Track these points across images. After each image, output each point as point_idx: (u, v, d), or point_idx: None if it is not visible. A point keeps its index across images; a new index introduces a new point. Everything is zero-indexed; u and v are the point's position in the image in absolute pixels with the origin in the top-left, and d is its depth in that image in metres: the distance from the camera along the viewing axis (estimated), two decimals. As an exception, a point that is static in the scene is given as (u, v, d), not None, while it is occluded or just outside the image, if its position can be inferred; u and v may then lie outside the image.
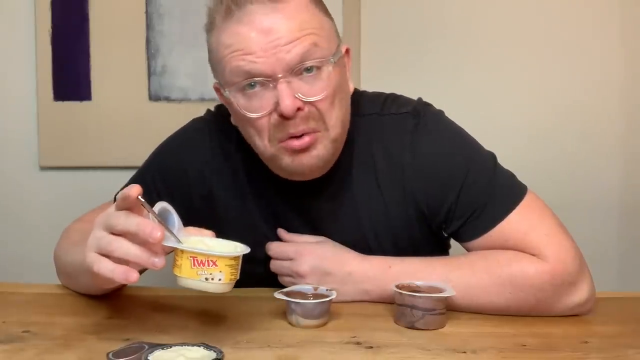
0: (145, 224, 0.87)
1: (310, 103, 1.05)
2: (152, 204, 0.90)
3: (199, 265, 0.88)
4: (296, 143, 1.06)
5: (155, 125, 1.81)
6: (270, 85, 1.03)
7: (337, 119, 1.08)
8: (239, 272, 0.92)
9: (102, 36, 1.87)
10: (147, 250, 0.87)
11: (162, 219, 0.90)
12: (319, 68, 1.05)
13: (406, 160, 1.15)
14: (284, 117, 1.04)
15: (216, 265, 0.88)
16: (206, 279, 0.89)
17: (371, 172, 1.17)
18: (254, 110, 1.06)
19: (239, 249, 0.93)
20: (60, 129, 1.89)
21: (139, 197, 0.87)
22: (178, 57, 1.87)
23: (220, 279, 0.89)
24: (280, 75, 1.02)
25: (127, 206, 0.89)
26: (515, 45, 1.87)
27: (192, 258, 0.88)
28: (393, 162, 1.16)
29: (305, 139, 1.06)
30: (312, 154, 1.08)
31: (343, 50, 1.13)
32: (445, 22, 1.87)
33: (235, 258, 0.90)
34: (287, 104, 1.02)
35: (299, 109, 1.04)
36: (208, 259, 0.88)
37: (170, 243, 0.89)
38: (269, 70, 1.03)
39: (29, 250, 1.91)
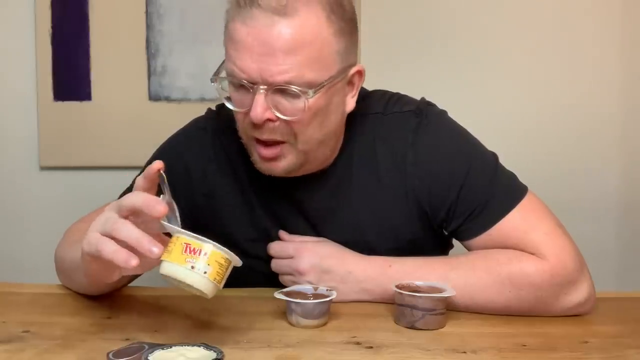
0: (151, 198, 0.88)
1: (282, 119, 1.05)
2: None
3: (190, 253, 0.88)
4: (263, 152, 1.08)
5: (155, 125, 1.80)
6: (251, 90, 1.04)
7: (310, 138, 1.08)
8: (224, 280, 0.90)
9: (102, 36, 1.87)
10: (148, 236, 0.87)
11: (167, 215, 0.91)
12: (297, 96, 1.03)
13: (408, 159, 1.15)
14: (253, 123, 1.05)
15: (206, 257, 0.88)
16: (192, 267, 0.87)
17: (373, 170, 1.17)
18: (235, 104, 1.08)
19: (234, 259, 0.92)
20: (60, 129, 1.89)
21: (161, 171, 0.91)
22: (178, 57, 1.87)
23: (205, 272, 0.88)
24: (260, 86, 1.02)
25: (147, 184, 0.93)
26: (515, 45, 1.87)
27: (185, 244, 0.88)
28: (395, 161, 1.16)
29: (272, 151, 1.08)
30: (278, 163, 1.09)
31: (352, 71, 1.10)
32: (445, 22, 1.87)
33: (226, 259, 0.89)
34: (257, 113, 1.02)
35: (270, 119, 1.04)
36: (201, 248, 0.88)
37: (170, 223, 0.90)
38: (250, 77, 1.03)
39: (28, 250, 1.91)
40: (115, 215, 0.90)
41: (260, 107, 1.02)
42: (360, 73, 1.13)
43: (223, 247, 0.89)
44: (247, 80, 1.03)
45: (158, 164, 0.92)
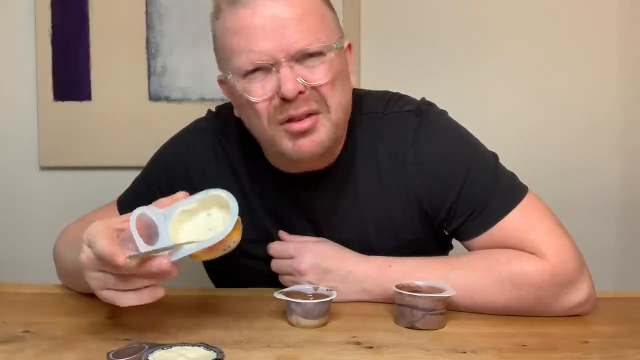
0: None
1: (312, 87, 1.06)
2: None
3: (213, 250, 0.94)
4: (296, 126, 1.07)
5: (155, 125, 1.81)
6: (273, 69, 1.05)
7: (339, 103, 1.09)
8: (241, 224, 0.97)
9: (102, 36, 1.87)
10: (149, 292, 0.93)
11: (144, 224, 0.93)
12: (321, 54, 1.06)
13: (408, 159, 1.15)
14: (286, 100, 1.05)
15: (224, 242, 0.94)
16: (224, 250, 0.95)
17: (373, 169, 1.17)
18: (256, 94, 1.07)
19: (222, 193, 0.97)
20: (60, 129, 1.89)
21: (127, 259, 0.89)
22: (178, 57, 1.87)
23: (235, 241, 0.96)
24: (282, 60, 1.04)
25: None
26: (515, 45, 1.87)
27: (205, 251, 0.94)
28: (396, 160, 1.16)
29: (307, 122, 1.07)
30: (313, 137, 1.08)
31: (345, 44, 1.14)
32: (446, 21, 1.87)
33: (236, 223, 0.95)
34: (289, 87, 1.03)
35: (300, 92, 1.05)
36: (217, 246, 0.94)
37: (176, 257, 0.93)
38: (271, 56, 1.04)
39: (29, 250, 1.91)
40: (102, 275, 0.92)
41: (290, 80, 1.04)
42: (350, 47, 1.17)
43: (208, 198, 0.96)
44: (268, 61, 1.04)
45: (121, 259, 0.88)
